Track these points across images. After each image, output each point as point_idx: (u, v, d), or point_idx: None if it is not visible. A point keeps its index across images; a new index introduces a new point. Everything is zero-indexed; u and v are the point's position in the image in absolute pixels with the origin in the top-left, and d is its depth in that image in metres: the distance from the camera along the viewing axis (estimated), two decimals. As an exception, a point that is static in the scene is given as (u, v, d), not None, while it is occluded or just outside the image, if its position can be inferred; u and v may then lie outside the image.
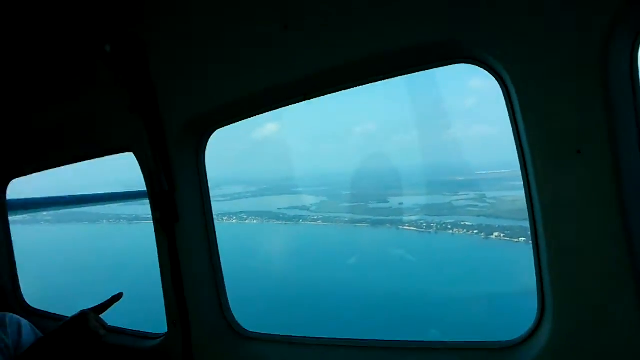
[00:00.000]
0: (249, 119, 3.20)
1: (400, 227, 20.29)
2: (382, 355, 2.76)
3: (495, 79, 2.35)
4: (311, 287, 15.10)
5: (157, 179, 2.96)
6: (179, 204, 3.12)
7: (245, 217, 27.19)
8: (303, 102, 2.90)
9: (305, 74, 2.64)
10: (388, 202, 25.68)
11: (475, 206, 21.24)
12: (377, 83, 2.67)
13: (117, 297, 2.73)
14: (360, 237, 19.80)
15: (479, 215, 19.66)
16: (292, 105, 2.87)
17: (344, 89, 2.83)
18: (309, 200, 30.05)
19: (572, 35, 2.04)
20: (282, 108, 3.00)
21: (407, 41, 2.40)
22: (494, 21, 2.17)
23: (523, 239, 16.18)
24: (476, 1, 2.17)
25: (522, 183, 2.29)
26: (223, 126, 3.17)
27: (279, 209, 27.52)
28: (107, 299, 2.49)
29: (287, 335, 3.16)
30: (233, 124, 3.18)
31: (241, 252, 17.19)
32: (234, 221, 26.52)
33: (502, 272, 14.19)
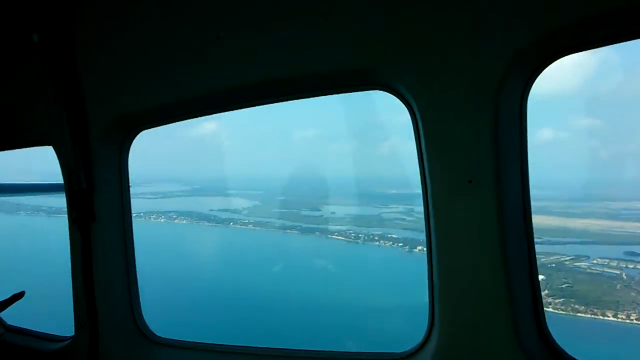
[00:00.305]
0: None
1: (329, 236, 20.52)
2: None
3: (405, 106, 2.36)
4: (227, 292, 14.93)
5: (75, 176, 2.86)
6: (97, 204, 2.95)
7: (174, 216, 26.44)
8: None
9: (235, 84, 2.56)
10: (320, 210, 25.90)
11: (403, 219, 21.88)
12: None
13: (18, 296, 2.58)
14: (287, 244, 19.82)
15: (405, 229, 20.29)
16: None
17: (268, 103, 2.79)
18: (242, 203, 29.73)
19: (472, 74, 2.13)
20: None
21: (327, 66, 2.38)
22: (406, 53, 2.21)
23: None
24: (390, 34, 2.23)
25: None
26: (149, 128, 3.00)
27: (210, 210, 27.04)
28: (7, 297, 2.36)
29: (197, 342, 3.02)
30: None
31: (161, 253, 16.70)
32: (162, 220, 25.73)
33: (420, 284, 14.73)
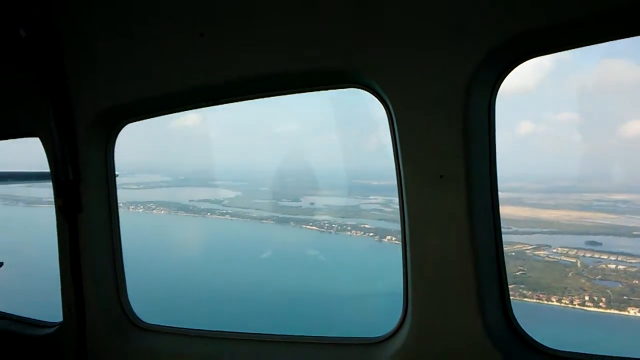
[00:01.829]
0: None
1: (304, 226, 21.09)
2: (266, 347, 2.93)
3: (382, 104, 2.45)
4: (190, 280, 15.50)
5: (62, 167, 2.89)
6: (84, 194, 3.00)
7: (153, 207, 26.95)
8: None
9: (216, 81, 2.65)
10: (300, 201, 26.43)
11: (380, 210, 22.42)
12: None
13: None
14: (260, 234, 20.44)
15: (380, 219, 20.84)
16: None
17: (251, 99, 2.85)
18: (224, 194, 30.21)
19: (443, 73, 2.21)
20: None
21: (306, 64, 2.46)
22: (380, 53, 2.29)
23: (411, 243, 17.53)
24: (364, 33, 2.30)
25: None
26: (135, 121, 3.05)
27: (190, 200, 27.53)
28: None
29: (183, 328, 3.12)
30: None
31: (127, 241, 17.19)
32: (140, 210, 26.25)
33: (387, 271, 15.39)
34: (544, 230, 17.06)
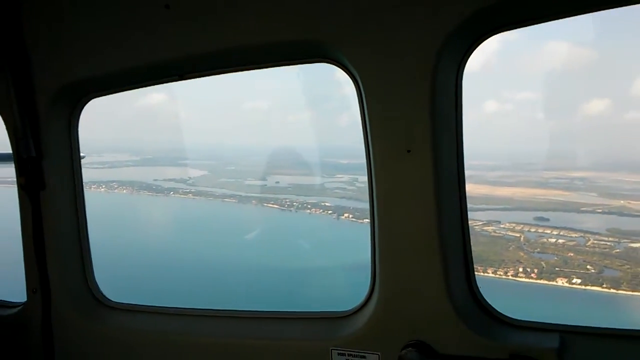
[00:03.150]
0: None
1: (265, 204, 21.61)
2: (234, 323, 3.00)
3: (351, 79, 2.52)
4: (141, 258, 15.96)
5: (24, 143, 2.86)
6: (47, 171, 3.01)
7: (115, 186, 27.10)
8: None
9: (183, 54, 2.66)
10: (266, 180, 26.84)
11: (344, 189, 22.95)
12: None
13: None
14: (219, 212, 20.89)
15: (342, 198, 21.41)
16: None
17: (217, 74, 2.85)
18: (190, 173, 30.42)
19: (411, 47, 2.26)
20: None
21: (272, 37, 2.50)
22: (349, 26, 2.34)
23: (367, 220, 18.14)
24: (332, 6, 2.32)
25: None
26: (99, 96, 3.04)
27: (155, 180, 27.72)
28: None
29: (150, 306, 3.22)
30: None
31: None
32: (102, 190, 26.44)
33: (335, 248, 16.07)
34: (498, 207, 17.74)
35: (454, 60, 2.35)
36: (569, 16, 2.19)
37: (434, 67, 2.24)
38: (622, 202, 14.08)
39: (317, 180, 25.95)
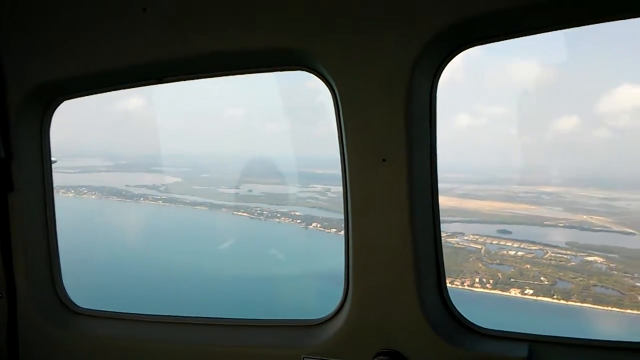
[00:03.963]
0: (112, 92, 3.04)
1: (235, 212, 21.82)
2: (205, 331, 3.02)
3: (328, 88, 2.59)
4: (103, 264, 16.05)
5: None
6: (16, 173, 3.03)
7: (85, 191, 27.04)
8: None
9: (160, 58, 2.70)
10: (239, 188, 27.04)
11: (316, 198, 23.26)
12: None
13: None
14: (188, 220, 21.07)
15: (313, 207, 21.71)
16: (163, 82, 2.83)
17: (195, 79, 2.87)
18: (163, 180, 30.45)
19: (388, 57, 2.33)
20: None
21: (250, 44, 2.53)
22: (326, 35, 2.41)
23: (334, 230, 18.61)
24: (310, 15, 2.39)
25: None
26: (73, 97, 3.08)
27: (126, 186, 27.72)
28: None
29: (118, 312, 3.27)
30: (94, 95, 3.07)
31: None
32: (70, 195, 26.37)
33: (298, 257, 16.38)
34: (464, 219, 18.16)
35: (429, 71, 2.45)
36: (543, 32, 2.30)
37: (409, 77, 2.32)
38: (584, 216, 14.55)
39: (291, 189, 26.22)
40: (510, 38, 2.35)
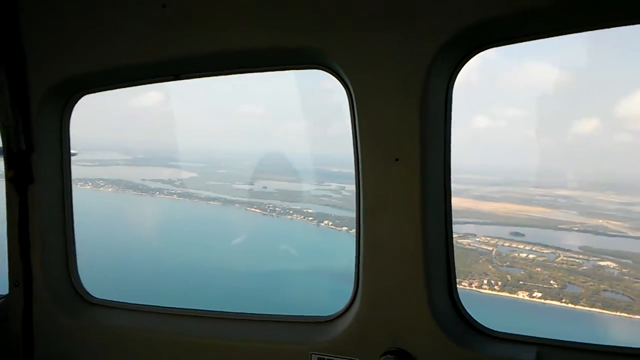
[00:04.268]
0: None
1: (248, 208, 22.09)
2: (217, 324, 3.02)
3: (343, 86, 2.53)
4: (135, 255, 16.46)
5: (14, 136, 2.88)
6: (36, 165, 3.01)
7: (102, 184, 27.60)
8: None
9: (178, 55, 2.68)
10: (253, 184, 27.32)
11: (330, 197, 23.40)
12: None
13: None
14: (201, 215, 21.41)
15: (326, 205, 21.86)
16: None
17: (212, 76, 2.87)
18: (179, 174, 30.91)
19: (404, 57, 2.29)
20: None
21: (268, 42, 2.52)
22: (342, 33, 2.38)
23: (345, 228, 18.68)
24: (331, 16, 2.37)
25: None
26: (93, 92, 3.06)
27: (142, 179, 28.22)
28: None
29: (133, 303, 3.23)
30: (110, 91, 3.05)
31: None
32: (88, 187, 26.96)
33: (307, 254, 16.57)
34: (478, 220, 18.12)
35: (445, 72, 2.42)
36: (558, 35, 2.26)
37: (425, 78, 2.30)
38: (600, 221, 14.39)
39: (305, 187, 26.41)
40: (525, 40, 2.34)
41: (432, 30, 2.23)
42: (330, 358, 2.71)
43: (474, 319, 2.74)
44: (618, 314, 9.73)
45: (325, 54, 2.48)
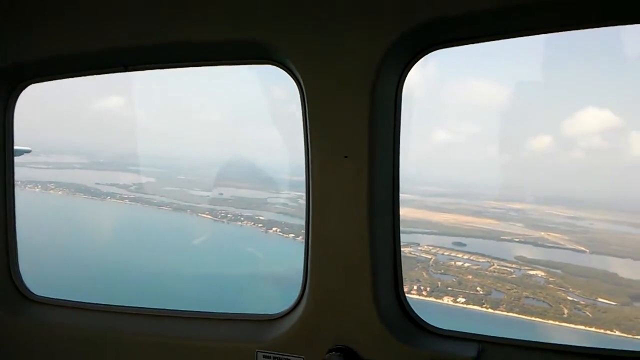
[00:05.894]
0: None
1: (199, 214, 22.41)
2: (163, 322, 3.10)
3: (294, 82, 2.66)
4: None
5: None
6: None
7: (52, 187, 27.53)
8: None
9: (127, 45, 2.71)
10: (210, 191, 27.55)
11: (285, 204, 23.80)
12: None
13: None
14: (148, 219, 21.67)
15: (278, 213, 22.26)
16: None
17: (160, 68, 2.88)
18: (136, 179, 30.94)
19: (354, 55, 2.40)
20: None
21: (218, 35, 2.58)
22: (294, 29, 2.47)
23: (292, 235, 19.14)
24: (282, 11, 2.44)
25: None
26: (36, 82, 3.04)
27: (96, 184, 28.23)
28: None
29: (76, 301, 3.35)
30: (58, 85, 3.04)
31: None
32: (37, 190, 26.91)
33: (249, 259, 17.01)
34: (425, 230, 18.69)
35: (395, 70, 2.50)
36: (508, 37, 2.35)
37: (375, 75, 2.38)
38: (542, 233, 15.04)
39: (263, 194, 26.76)
40: (478, 42, 2.42)
41: (384, 27, 2.32)
42: (276, 355, 2.86)
43: (420, 317, 2.92)
44: (533, 318, 10.31)
45: (277, 49, 2.59)
